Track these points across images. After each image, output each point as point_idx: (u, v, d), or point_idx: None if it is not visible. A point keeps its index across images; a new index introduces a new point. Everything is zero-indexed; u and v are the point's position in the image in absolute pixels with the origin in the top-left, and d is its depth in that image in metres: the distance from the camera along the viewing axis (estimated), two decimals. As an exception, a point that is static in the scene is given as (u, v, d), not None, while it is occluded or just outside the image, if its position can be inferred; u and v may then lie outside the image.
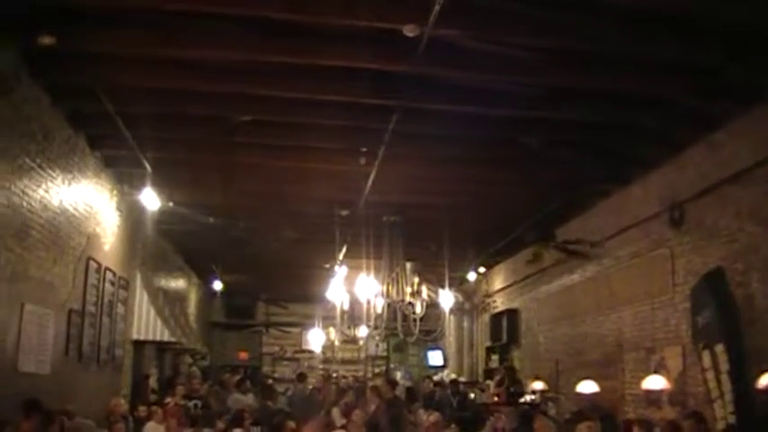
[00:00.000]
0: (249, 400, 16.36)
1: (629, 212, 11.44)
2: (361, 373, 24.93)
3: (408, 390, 16.71)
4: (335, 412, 15.67)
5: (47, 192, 8.97)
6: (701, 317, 9.02)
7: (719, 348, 8.49)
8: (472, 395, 17.52)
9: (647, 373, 10.50)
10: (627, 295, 11.69)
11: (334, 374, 23.39)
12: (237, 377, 18.43)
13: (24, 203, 8.32)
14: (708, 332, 8.85)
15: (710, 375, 8.67)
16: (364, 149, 10.31)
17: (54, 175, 9.16)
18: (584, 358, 13.24)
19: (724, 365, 8.38)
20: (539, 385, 14.13)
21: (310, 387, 18.32)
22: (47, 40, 7.30)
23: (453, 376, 20.71)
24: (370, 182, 11.24)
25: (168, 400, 12.95)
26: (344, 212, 13.37)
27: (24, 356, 8.42)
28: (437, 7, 6.26)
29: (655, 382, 10.13)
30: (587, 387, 11.59)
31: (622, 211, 11.72)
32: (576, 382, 12.05)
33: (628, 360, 11.55)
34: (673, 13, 6.89)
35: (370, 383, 20.49)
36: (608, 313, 12.35)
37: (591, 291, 13.17)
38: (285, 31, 7.38)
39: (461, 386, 18.18)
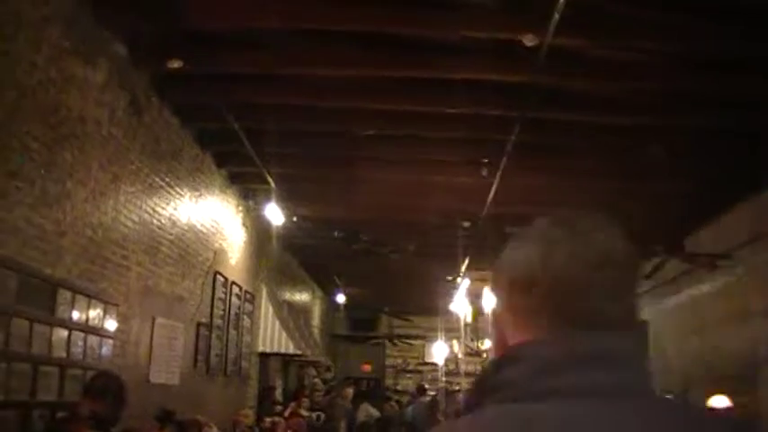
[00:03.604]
0: (376, 411, 16.54)
1: (764, 219, 10.97)
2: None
3: None
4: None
5: (175, 209, 9.24)
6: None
7: None
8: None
9: (785, 388, 10.02)
10: (762, 306, 11.21)
11: (457, 387, 23.28)
12: (351, 389, 18.56)
13: (154, 221, 8.60)
14: None
15: None
16: (486, 161, 10.22)
17: (182, 192, 9.44)
18: (716, 372, 12.76)
19: None
20: (668, 400, 13.73)
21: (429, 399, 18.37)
22: (175, 64, 7.55)
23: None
24: (491, 193, 11.12)
25: (289, 410, 13.16)
26: (466, 224, 13.29)
27: (155, 368, 8.68)
28: (556, 16, 6.16)
29: (793, 399, 9.65)
30: (720, 402, 11.18)
31: (756, 218, 11.24)
32: (707, 397, 11.64)
33: (764, 375, 11.06)
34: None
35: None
36: (742, 325, 11.87)
37: (723, 302, 12.69)
38: (405, 46, 7.39)
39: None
